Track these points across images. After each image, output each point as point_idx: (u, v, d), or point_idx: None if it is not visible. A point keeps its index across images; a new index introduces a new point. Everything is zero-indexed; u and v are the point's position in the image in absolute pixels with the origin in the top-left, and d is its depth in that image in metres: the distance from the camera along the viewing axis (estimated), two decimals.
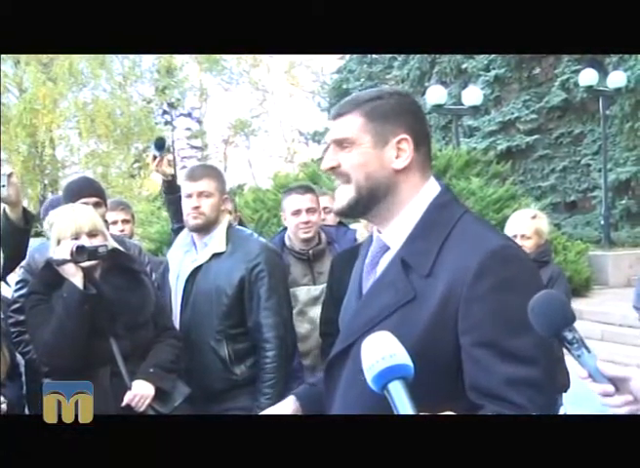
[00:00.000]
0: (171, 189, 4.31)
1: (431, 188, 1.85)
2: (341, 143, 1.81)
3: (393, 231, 1.83)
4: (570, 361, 4.26)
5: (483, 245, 1.67)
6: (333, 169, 1.83)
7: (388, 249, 1.84)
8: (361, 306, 1.84)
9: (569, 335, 1.40)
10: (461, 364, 1.66)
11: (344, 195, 1.82)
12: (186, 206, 3.36)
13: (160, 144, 4.26)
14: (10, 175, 2.78)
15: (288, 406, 2.01)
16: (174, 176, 4.31)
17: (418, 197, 1.82)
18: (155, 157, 4.15)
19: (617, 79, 15.44)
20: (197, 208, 3.31)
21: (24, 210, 2.90)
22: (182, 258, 3.46)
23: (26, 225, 2.91)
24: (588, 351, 1.40)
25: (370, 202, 1.81)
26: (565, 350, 1.41)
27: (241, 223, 3.86)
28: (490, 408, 1.57)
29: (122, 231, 4.59)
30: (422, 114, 1.91)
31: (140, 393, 2.93)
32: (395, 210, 1.82)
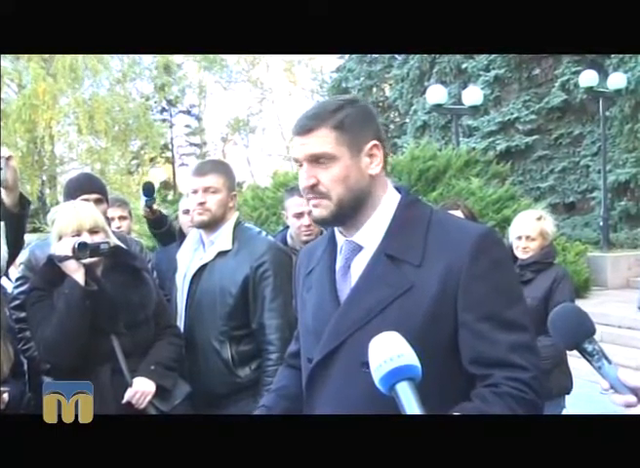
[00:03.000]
0: (158, 224, 4.36)
1: (393, 189, 1.94)
2: (318, 159, 1.82)
3: (366, 232, 1.88)
4: (573, 363, 4.21)
5: (470, 230, 1.82)
6: (313, 186, 1.83)
7: (361, 250, 1.88)
8: (348, 306, 1.84)
9: (589, 347, 1.43)
10: (458, 342, 1.76)
11: (324, 209, 1.84)
12: (192, 201, 3.28)
13: (149, 191, 4.28)
14: (8, 159, 2.72)
15: None
16: (162, 213, 4.37)
17: (385, 199, 1.90)
18: (150, 209, 4.20)
19: (617, 80, 15.44)
20: (202, 204, 3.23)
21: (21, 195, 2.86)
22: (192, 257, 3.40)
23: (22, 210, 2.87)
24: (609, 362, 1.42)
25: (351, 212, 1.86)
26: (586, 361, 1.42)
27: None
28: (498, 375, 1.69)
29: (119, 228, 4.54)
30: (376, 116, 1.96)
31: (140, 390, 2.92)
32: (368, 213, 1.87)
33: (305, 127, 1.83)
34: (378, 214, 1.87)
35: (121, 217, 4.75)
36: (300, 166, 1.85)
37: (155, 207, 4.38)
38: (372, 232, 1.86)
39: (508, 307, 1.75)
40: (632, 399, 1.39)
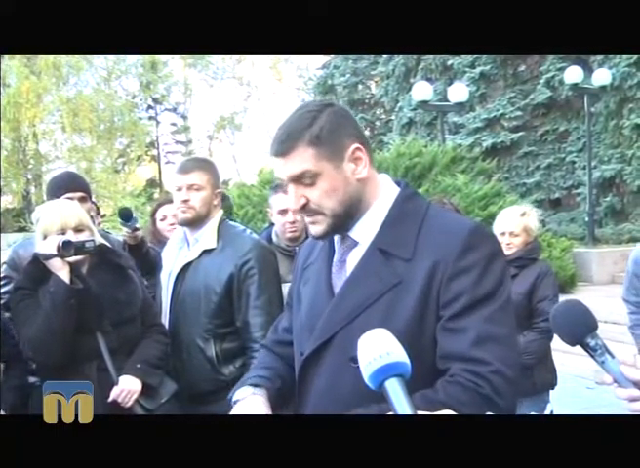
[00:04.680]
0: (138, 248, 4.10)
1: (390, 184, 1.92)
2: (301, 179, 1.80)
3: (361, 227, 1.86)
4: (559, 358, 4.23)
5: (461, 225, 1.79)
6: (304, 206, 1.82)
7: (356, 244, 1.87)
8: (340, 299, 1.84)
9: (592, 342, 1.42)
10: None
11: (322, 224, 1.84)
12: (176, 199, 3.28)
13: (126, 216, 4.03)
14: None
15: (258, 408, 1.92)
16: (143, 238, 4.15)
17: (382, 194, 1.88)
18: (135, 229, 4.00)
19: (601, 77, 15.53)
20: (186, 201, 3.22)
21: None
22: (176, 255, 3.39)
23: None
24: (612, 356, 1.41)
25: (348, 218, 1.85)
26: (589, 356, 1.42)
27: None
28: (455, 367, 1.66)
29: None
30: (353, 116, 1.93)
31: (127, 388, 2.91)
32: (362, 211, 1.86)
33: (282, 148, 1.80)
34: (373, 210, 1.86)
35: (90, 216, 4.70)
36: (287, 186, 1.84)
37: (139, 231, 4.14)
38: (367, 227, 1.85)
39: (487, 302, 1.70)
40: (636, 392, 1.39)
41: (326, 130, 1.79)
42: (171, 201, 4.74)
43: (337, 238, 1.93)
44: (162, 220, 4.73)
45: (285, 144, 1.79)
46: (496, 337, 1.68)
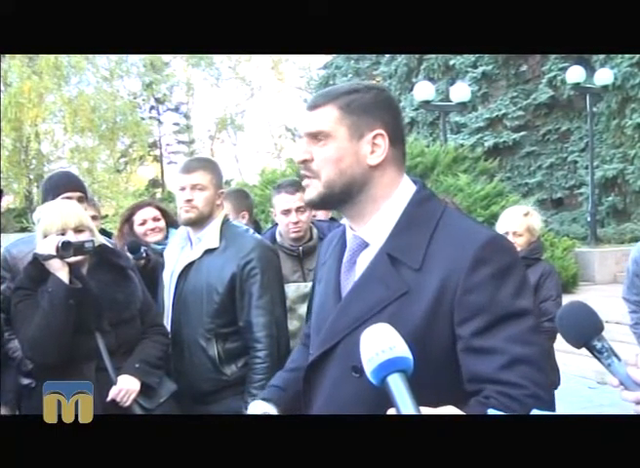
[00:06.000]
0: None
1: (408, 184, 1.85)
2: (316, 136, 1.78)
3: (372, 227, 1.81)
4: (562, 359, 4.23)
5: (475, 236, 1.69)
6: (305, 162, 1.80)
7: (367, 246, 1.82)
8: (345, 305, 1.79)
9: (598, 345, 1.40)
10: (456, 355, 1.66)
11: (314, 189, 1.80)
12: (179, 199, 3.28)
13: (134, 249, 4.09)
14: None
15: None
16: (147, 262, 4.14)
17: (396, 193, 1.81)
18: (139, 258, 4.05)
19: (603, 76, 15.53)
20: (190, 201, 3.23)
21: None
22: (179, 254, 3.40)
23: None
24: (618, 359, 1.39)
25: (342, 197, 1.80)
26: (595, 359, 1.40)
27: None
28: (490, 388, 1.58)
29: None
30: (399, 110, 1.89)
31: (125, 388, 2.92)
32: (371, 206, 1.81)
33: (313, 103, 1.81)
34: (386, 210, 1.80)
35: (92, 217, 4.66)
36: (302, 139, 1.83)
37: (146, 257, 4.13)
38: (378, 228, 1.79)
39: (510, 322, 1.62)
40: None
41: (359, 102, 1.77)
42: (149, 204, 4.70)
43: (349, 237, 1.88)
44: (141, 224, 4.54)
45: (317, 100, 1.81)
46: (526, 359, 1.60)
